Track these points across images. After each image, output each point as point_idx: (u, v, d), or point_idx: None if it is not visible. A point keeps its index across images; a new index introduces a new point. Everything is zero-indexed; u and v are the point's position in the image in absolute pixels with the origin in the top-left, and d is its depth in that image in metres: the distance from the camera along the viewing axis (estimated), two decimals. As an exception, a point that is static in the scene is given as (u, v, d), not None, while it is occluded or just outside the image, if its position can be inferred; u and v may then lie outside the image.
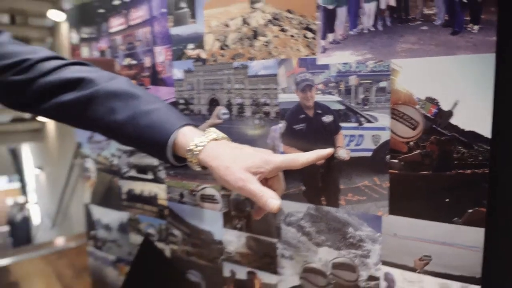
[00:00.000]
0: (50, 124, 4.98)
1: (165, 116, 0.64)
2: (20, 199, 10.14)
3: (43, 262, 2.38)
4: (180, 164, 0.66)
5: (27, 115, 6.06)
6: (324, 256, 0.72)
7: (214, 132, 0.63)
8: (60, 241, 2.86)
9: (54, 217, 5.85)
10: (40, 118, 5.49)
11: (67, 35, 3.35)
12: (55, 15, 3.27)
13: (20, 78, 0.64)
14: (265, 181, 0.63)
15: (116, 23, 0.93)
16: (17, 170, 10.50)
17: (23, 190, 10.45)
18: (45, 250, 2.59)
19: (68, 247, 2.51)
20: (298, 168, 0.63)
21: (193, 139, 0.61)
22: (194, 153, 0.60)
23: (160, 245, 0.98)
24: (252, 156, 0.61)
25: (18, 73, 0.64)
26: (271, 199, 0.57)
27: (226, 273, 0.87)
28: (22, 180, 10.48)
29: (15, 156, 10.25)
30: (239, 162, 0.59)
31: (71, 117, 0.68)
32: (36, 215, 9.10)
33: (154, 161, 0.95)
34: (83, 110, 0.65)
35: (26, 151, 9.04)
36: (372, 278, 0.67)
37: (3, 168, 10.33)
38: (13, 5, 4.14)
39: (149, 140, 0.63)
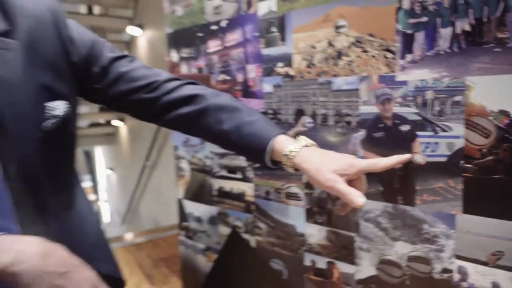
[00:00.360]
0: (123, 129, 5.41)
1: (264, 126, 0.77)
2: (92, 197, 11.03)
3: (126, 252, 2.65)
4: (275, 167, 0.79)
5: (102, 120, 6.63)
6: (400, 250, 0.81)
7: (305, 140, 0.75)
8: (129, 236, 3.15)
9: (123, 214, 6.34)
10: (114, 123, 6.00)
11: (144, 48, 3.69)
12: (132, 30, 3.62)
13: (149, 96, 0.80)
14: (349, 182, 0.74)
15: (213, 45, 1.09)
16: (90, 170, 11.43)
17: (94, 188, 11.35)
18: (121, 243, 2.87)
19: (144, 241, 2.76)
20: (378, 171, 0.73)
21: (287, 145, 0.73)
22: (289, 157, 0.72)
23: (246, 236, 1.12)
24: (339, 160, 0.72)
25: (148, 92, 0.80)
26: (357, 197, 0.67)
27: (307, 262, 0.99)
28: (94, 179, 11.40)
29: (89, 157, 11.17)
30: (328, 165, 0.70)
31: (187, 126, 0.84)
32: (106, 212, 9.85)
33: (243, 163, 1.09)
34: (196, 121, 0.80)
35: (99, 153, 9.82)
36: (446, 270, 0.76)
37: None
38: (93, 23, 4.58)
39: (251, 147, 0.76)
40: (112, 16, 4.21)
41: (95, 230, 0.88)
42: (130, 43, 3.99)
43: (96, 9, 4.56)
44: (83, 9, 4.73)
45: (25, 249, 0.56)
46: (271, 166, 0.78)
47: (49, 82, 0.70)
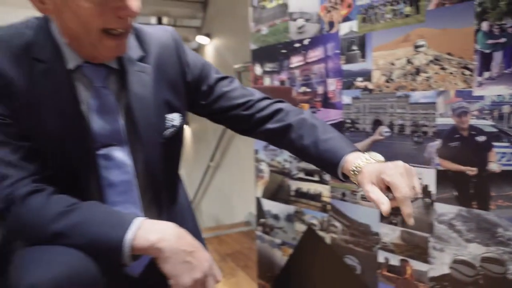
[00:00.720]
0: (187, 131, 5.72)
1: (338, 143, 0.84)
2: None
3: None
4: (345, 180, 0.84)
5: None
6: (473, 251, 0.88)
7: (374, 156, 0.78)
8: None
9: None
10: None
11: (211, 55, 3.94)
12: (201, 39, 3.87)
13: (245, 113, 0.93)
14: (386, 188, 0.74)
15: (295, 60, 1.22)
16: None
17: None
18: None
19: (209, 236, 2.95)
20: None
21: (356, 161, 0.77)
22: (356, 172, 0.77)
23: (321, 233, 1.23)
24: (377, 173, 0.73)
25: (244, 110, 0.93)
26: (381, 205, 0.69)
27: (381, 259, 1.08)
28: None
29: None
30: (369, 178, 0.74)
31: (274, 140, 0.95)
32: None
33: (320, 167, 1.21)
34: (282, 136, 0.91)
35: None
36: (519, 271, 0.82)
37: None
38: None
39: (326, 161, 0.84)
40: (181, 26, 4.52)
41: (192, 223, 1.03)
42: (197, 50, 4.26)
43: (165, 20, 4.89)
44: (153, 20, 5.09)
45: (165, 231, 0.72)
46: (342, 179, 0.83)
47: (169, 98, 0.86)
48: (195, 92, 0.92)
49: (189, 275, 0.70)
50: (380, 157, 0.78)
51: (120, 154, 0.81)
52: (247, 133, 0.98)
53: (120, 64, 0.80)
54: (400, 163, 0.72)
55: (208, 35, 3.89)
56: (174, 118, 0.87)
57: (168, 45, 0.87)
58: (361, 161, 0.76)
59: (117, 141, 0.81)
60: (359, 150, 0.81)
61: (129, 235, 0.68)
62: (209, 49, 3.94)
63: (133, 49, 0.82)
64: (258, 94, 0.95)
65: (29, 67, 0.74)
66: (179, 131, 0.89)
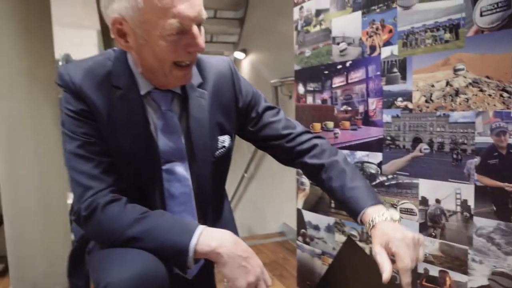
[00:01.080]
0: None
1: (362, 194, 0.91)
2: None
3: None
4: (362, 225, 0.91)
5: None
6: (512, 263, 0.93)
7: (390, 214, 0.85)
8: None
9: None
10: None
11: (247, 70, 4.08)
12: (238, 55, 4.03)
13: (286, 145, 1.01)
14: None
15: (337, 81, 1.31)
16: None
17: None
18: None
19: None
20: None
21: (373, 216, 0.85)
22: (370, 225, 0.85)
23: (361, 244, 1.30)
24: (387, 238, 0.80)
25: (287, 142, 1.01)
26: (383, 272, 0.77)
27: (420, 270, 1.13)
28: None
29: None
30: (380, 239, 0.82)
31: (308, 174, 1.04)
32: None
33: (361, 181, 1.28)
34: (314, 173, 0.99)
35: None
36: (558, 284, 0.86)
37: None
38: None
39: (349, 208, 0.92)
40: (217, 42, 4.71)
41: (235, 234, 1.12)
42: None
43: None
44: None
45: (224, 238, 0.80)
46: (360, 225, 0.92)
47: (222, 121, 0.96)
48: (245, 118, 1.00)
49: (244, 279, 0.77)
50: (396, 216, 0.85)
51: (181, 169, 0.91)
52: (286, 163, 1.05)
53: (183, 89, 0.90)
54: (409, 234, 0.80)
55: (244, 50, 4.04)
56: (225, 140, 0.96)
57: (224, 74, 0.97)
58: (378, 217, 0.84)
59: (179, 157, 0.91)
60: (381, 203, 0.89)
61: (193, 241, 0.77)
62: (245, 64, 4.08)
63: (194, 76, 0.92)
64: (299, 128, 1.03)
65: (109, 93, 0.85)
66: (228, 151, 0.98)
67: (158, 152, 0.89)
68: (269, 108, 1.02)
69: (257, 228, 4.12)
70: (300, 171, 1.47)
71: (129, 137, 0.86)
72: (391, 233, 0.80)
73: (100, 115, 0.84)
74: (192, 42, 0.78)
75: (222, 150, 0.96)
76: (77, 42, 7.10)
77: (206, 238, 0.78)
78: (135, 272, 0.72)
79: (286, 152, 1.01)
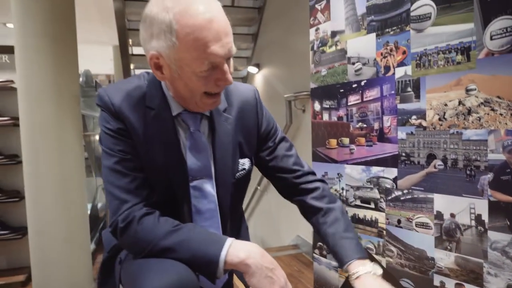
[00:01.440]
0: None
1: (352, 246, 0.97)
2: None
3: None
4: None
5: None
6: (527, 277, 0.96)
7: (372, 268, 0.92)
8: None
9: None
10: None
11: (260, 83, 4.16)
12: (251, 69, 4.12)
13: (293, 181, 1.06)
14: None
15: (353, 99, 1.36)
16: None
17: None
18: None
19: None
20: None
21: (357, 268, 0.91)
22: (352, 277, 0.92)
23: (377, 257, 1.33)
24: None
25: (294, 178, 1.06)
26: None
27: (436, 282, 1.16)
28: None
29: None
30: None
31: (304, 213, 1.07)
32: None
33: (376, 195, 1.32)
34: (312, 212, 1.04)
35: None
36: None
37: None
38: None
39: (338, 254, 0.96)
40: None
41: None
42: (246, 78, 4.52)
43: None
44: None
45: (252, 250, 0.86)
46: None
47: (244, 145, 1.02)
48: (263, 144, 1.06)
49: None
50: (379, 271, 0.93)
51: (208, 186, 0.97)
52: (287, 197, 1.11)
53: (210, 111, 0.97)
54: None
55: (257, 65, 4.13)
56: (245, 163, 1.02)
57: (249, 101, 1.03)
58: (362, 269, 0.91)
59: (206, 175, 0.96)
60: (367, 258, 0.96)
61: (223, 252, 0.82)
62: (258, 78, 4.16)
63: (221, 101, 0.99)
64: (307, 167, 1.09)
65: (144, 113, 0.92)
66: (248, 173, 1.04)
67: (187, 169, 0.95)
68: (284, 139, 1.09)
69: (270, 240, 4.15)
70: (317, 185, 1.52)
71: (161, 154, 0.93)
72: (373, 286, 0.89)
73: (136, 134, 0.91)
74: (221, 77, 0.84)
75: (242, 172, 1.02)
76: (94, 57, 7.30)
77: (235, 250, 0.83)
78: (170, 280, 0.77)
79: (290, 187, 1.08)
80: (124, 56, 3.93)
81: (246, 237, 1.16)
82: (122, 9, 3.36)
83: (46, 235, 2.24)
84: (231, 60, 0.86)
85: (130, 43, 4.02)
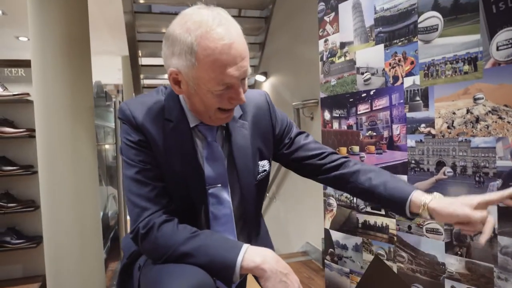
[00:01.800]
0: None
1: (403, 184, 1.01)
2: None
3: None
4: (412, 218, 0.99)
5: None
6: (537, 281, 0.98)
7: (435, 193, 0.95)
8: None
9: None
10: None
11: (267, 91, 4.22)
12: (258, 77, 4.17)
13: (320, 162, 1.10)
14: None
15: (362, 108, 1.40)
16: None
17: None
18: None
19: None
20: (494, 202, 0.92)
21: (423, 198, 0.94)
22: (425, 204, 0.93)
23: (388, 263, 1.36)
24: (463, 199, 0.90)
25: (319, 160, 1.11)
26: (478, 223, 0.88)
27: (447, 287, 1.18)
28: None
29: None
30: (456, 203, 0.90)
31: (341, 183, 1.10)
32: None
33: (387, 202, 1.35)
34: (350, 179, 1.07)
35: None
36: None
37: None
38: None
39: (395, 198, 0.99)
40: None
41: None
42: (254, 87, 4.58)
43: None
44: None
45: (267, 255, 0.89)
46: (410, 217, 0.98)
47: (262, 148, 1.07)
48: (280, 143, 1.12)
49: None
50: (439, 194, 0.95)
51: (223, 193, 1.02)
52: (319, 178, 1.14)
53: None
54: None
55: (265, 73, 4.18)
56: (264, 164, 1.08)
57: (262, 106, 1.09)
58: (427, 198, 0.94)
59: (222, 182, 1.01)
60: (421, 190, 0.98)
61: (240, 257, 0.86)
62: (266, 86, 4.21)
63: (235, 110, 1.03)
64: (329, 149, 1.14)
65: (163, 125, 0.97)
66: (268, 174, 1.10)
67: (204, 177, 1.00)
68: (300, 133, 1.14)
69: (280, 247, 4.16)
70: (328, 192, 1.55)
71: (179, 164, 0.97)
72: (461, 198, 0.92)
73: (156, 145, 0.96)
74: (235, 97, 0.90)
75: (263, 173, 1.07)
76: (102, 66, 7.41)
77: (251, 255, 0.87)
78: (189, 284, 0.81)
79: (319, 169, 1.11)
80: (134, 67, 4.00)
81: (267, 240, 1.20)
82: (132, 22, 3.44)
83: (60, 243, 2.29)
84: (246, 80, 0.92)
85: (140, 54, 4.09)
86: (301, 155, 1.12)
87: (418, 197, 0.95)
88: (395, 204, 1.00)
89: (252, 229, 1.11)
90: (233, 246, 0.89)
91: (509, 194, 0.90)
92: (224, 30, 0.84)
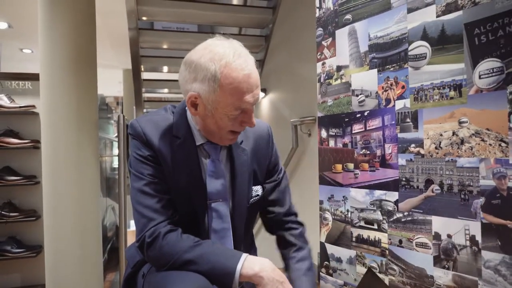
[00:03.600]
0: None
1: (308, 285, 1.11)
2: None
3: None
4: None
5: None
6: (518, 293, 1.05)
7: None
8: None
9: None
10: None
11: (266, 107, 4.32)
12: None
13: (283, 218, 1.20)
14: None
15: (357, 127, 1.49)
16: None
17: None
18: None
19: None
20: None
21: None
22: None
23: (380, 275, 1.42)
24: None
25: (284, 215, 1.20)
26: None
27: (436, 299, 1.25)
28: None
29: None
30: None
31: (282, 245, 1.21)
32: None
33: (379, 216, 1.42)
34: (289, 249, 1.18)
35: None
36: (558, 311, 0.97)
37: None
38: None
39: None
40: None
41: None
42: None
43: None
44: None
45: (264, 264, 0.96)
46: None
47: (257, 174, 1.15)
48: (269, 176, 1.21)
49: None
50: None
51: (223, 208, 1.09)
52: (270, 229, 1.25)
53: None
54: None
55: (264, 90, 4.28)
56: (257, 189, 1.16)
57: (263, 136, 1.18)
58: None
59: (222, 198, 1.09)
60: None
61: (239, 265, 0.93)
62: (264, 102, 4.31)
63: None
64: (293, 207, 1.26)
65: (170, 142, 1.05)
66: (260, 199, 1.17)
67: (206, 192, 1.07)
68: (284, 177, 1.25)
69: (277, 261, 4.20)
70: (324, 206, 1.62)
71: (184, 178, 1.05)
72: None
73: (164, 160, 1.04)
74: (247, 120, 1.00)
75: (255, 197, 1.15)
76: (104, 79, 7.52)
77: (250, 263, 0.94)
78: (191, 286, 0.88)
79: (277, 222, 1.22)
80: (136, 80, 4.10)
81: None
82: (136, 38, 3.55)
83: (61, 253, 2.34)
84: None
85: (142, 68, 4.19)
86: (275, 198, 1.22)
87: None
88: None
89: (244, 246, 1.17)
90: (233, 255, 0.96)
91: None
92: (244, 61, 0.94)
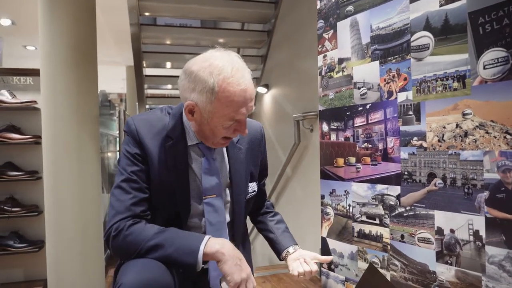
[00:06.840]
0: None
1: (290, 238, 1.37)
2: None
3: (261, 280, 3.01)
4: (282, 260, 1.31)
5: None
6: (522, 289, 1.02)
7: (295, 247, 1.31)
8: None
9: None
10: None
11: (268, 103, 4.29)
12: (260, 89, 4.26)
13: (263, 209, 1.40)
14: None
15: (359, 121, 1.46)
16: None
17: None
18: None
19: (267, 274, 3.10)
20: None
21: (293, 248, 1.32)
22: (290, 253, 1.32)
23: (382, 271, 1.40)
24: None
25: (265, 207, 1.40)
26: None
27: (438, 295, 1.22)
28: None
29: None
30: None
31: (260, 220, 1.40)
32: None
33: (381, 211, 1.40)
34: (267, 216, 1.42)
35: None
36: None
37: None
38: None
39: (277, 242, 1.36)
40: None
41: (250, 260, 1.32)
42: (256, 98, 4.68)
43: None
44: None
45: (225, 243, 1.02)
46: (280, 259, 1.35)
47: (253, 171, 1.24)
48: (260, 172, 1.33)
49: (239, 274, 0.99)
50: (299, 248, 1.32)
51: (218, 203, 1.15)
52: (253, 216, 1.43)
53: None
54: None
55: (266, 85, 4.26)
56: (253, 186, 1.26)
57: (256, 135, 1.27)
58: (289, 250, 1.31)
59: (217, 193, 1.15)
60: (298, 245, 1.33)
61: (202, 244, 1.00)
62: (267, 98, 4.29)
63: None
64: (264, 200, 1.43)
65: (163, 142, 1.09)
66: (255, 195, 1.28)
67: (202, 188, 1.13)
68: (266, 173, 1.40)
69: (273, 259, 4.19)
70: (326, 201, 1.60)
71: (171, 178, 1.09)
72: (303, 253, 1.29)
73: (152, 159, 1.08)
74: (240, 129, 1.07)
75: (251, 193, 1.25)
76: (107, 76, 7.53)
77: (212, 243, 1.01)
78: (144, 276, 0.91)
79: (258, 210, 1.40)
80: (139, 77, 4.09)
81: (248, 250, 1.34)
82: (138, 34, 3.53)
83: (62, 248, 2.34)
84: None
85: (144, 64, 4.18)
86: (260, 192, 1.34)
87: (291, 249, 1.31)
88: (278, 246, 1.33)
89: (238, 240, 1.25)
90: (197, 237, 1.03)
91: (324, 259, 1.35)
92: (241, 76, 1.00)
